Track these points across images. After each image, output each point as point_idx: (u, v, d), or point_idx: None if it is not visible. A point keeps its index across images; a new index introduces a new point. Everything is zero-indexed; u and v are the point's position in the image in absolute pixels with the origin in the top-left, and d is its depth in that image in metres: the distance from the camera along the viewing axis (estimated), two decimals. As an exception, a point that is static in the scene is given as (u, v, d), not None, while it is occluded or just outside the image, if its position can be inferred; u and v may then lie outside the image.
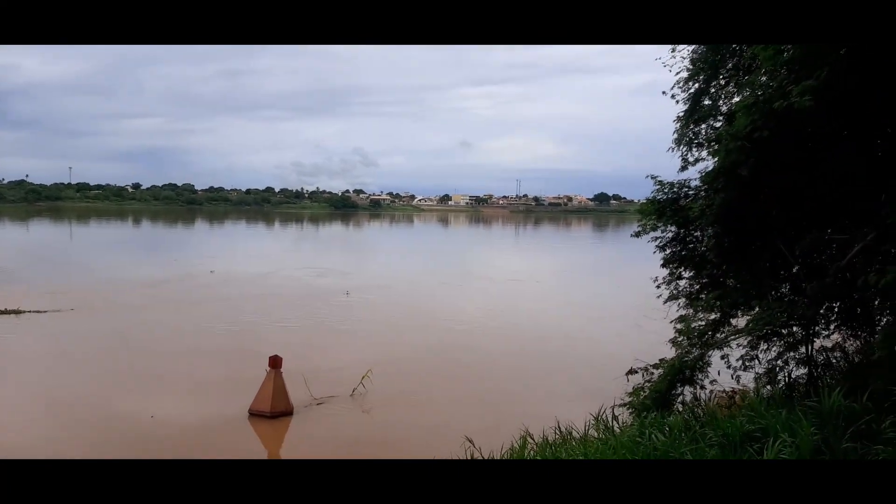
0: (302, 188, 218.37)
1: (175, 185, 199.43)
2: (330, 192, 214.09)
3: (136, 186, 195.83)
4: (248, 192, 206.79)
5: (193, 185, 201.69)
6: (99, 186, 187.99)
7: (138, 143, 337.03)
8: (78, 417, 12.58)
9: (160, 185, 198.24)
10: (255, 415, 12.69)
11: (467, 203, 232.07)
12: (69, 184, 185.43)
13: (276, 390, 12.83)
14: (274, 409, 12.65)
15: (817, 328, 8.73)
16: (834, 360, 8.83)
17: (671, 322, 10.17)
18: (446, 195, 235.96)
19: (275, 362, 13.03)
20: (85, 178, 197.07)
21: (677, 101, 10.21)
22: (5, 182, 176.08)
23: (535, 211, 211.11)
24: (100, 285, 29.16)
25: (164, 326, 20.87)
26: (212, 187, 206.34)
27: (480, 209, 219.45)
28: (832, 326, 9.36)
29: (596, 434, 7.85)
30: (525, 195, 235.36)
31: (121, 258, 44.50)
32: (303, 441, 12.21)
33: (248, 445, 11.80)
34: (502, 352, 18.82)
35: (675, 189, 9.70)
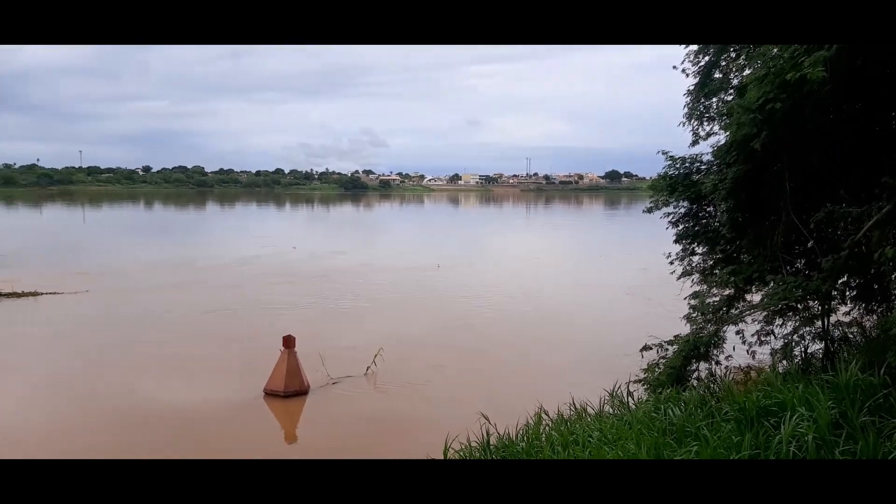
0: (311, 169, 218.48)
1: (185, 167, 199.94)
2: (339, 174, 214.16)
3: (147, 169, 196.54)
4: (258, 173, 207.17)
5: (203, 168, 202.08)
6: (109, 170, 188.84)
7: (144, 125, 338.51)
8: (95, 395, 12.76)
9: (170, 167, 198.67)
10: (269, 394, 12.82)
11: (477, 182, 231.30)
12: (80, 167, 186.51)
13: (289, 370, 12.93)
14: (287, 389, 12.76)
15: (833, 303, 8.67)
16: (851, 335, 8.77)
17: (685, 298, 10.14)
18: (456, 175, 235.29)
19: (288, 342, 13.12)
20: (94, 161, 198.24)
21: (687, 75, 10.06)
22: (17, 166, 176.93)
23: (545, 189, 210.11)
24: (118, 268, 29.43)
25: (207, 307, 21.06)
26: (221, 169, 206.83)
27: (490, 188, 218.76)
28: (848, 301, 9.29)
29: (611, 410, 7.86)
30: (535, 174, 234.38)
31: (139, 240, 44.83)
32: (313, 420, 12.36)
33: (259, 425, 11.94)
34: (516, 330, 18.86)
35: (686, 164, 9.61)
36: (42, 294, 22.05)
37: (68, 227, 59.45)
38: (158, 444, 10.39)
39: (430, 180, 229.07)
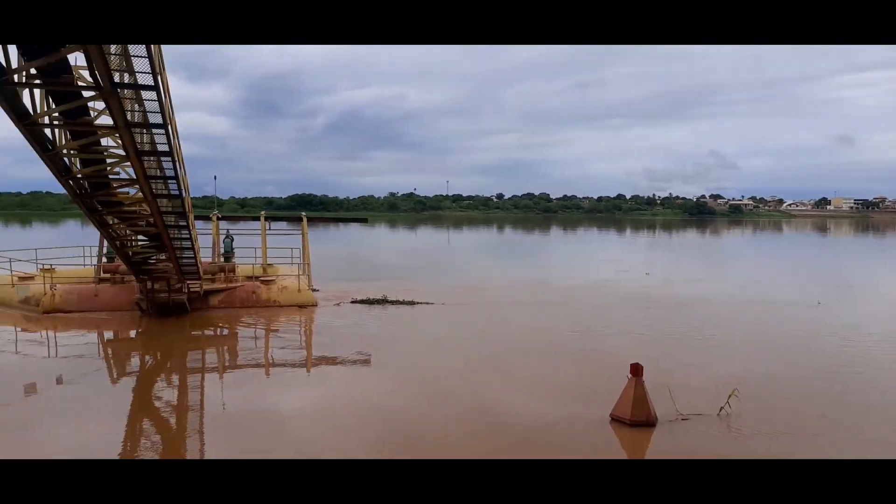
0: (653, 194, 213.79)
1: (532, 194, 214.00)
2: (683, 198, 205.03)
3: (500, 196, 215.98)
4: (600, 199, 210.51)
5: (549, 195, 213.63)
6: (470, 197, 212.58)
7: (499, 157, 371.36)
8: (446, 395, 13.92)
9: (519, 194, 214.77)
10: (615, 420, 12.42)
11: (851, 207, 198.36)
12: (446, 195, 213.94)
13: (636, 398, 12.38)
14: (634, 418, 12.19)
15: None
16: None
17: None
18: (823, 199, 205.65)
19: (636, 370, 12.57)
20: (458, 189, 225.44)
21: None
22: (399, 194, 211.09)
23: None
24: (480, 284, 32.57)
25: (535, 325, 22.15)
26: (565, 196, 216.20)
27: (869, 215, 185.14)
28: None
29: None
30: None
31: (495, 259, 49.26)
32: (661, 454, 11.47)
33: (604, 449, 11.54)
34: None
35: None
36: (417, 304, 25.42)
37: (437, 247, 68.28)
38: (501, 448, 10.75)
39: (789, 205, 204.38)
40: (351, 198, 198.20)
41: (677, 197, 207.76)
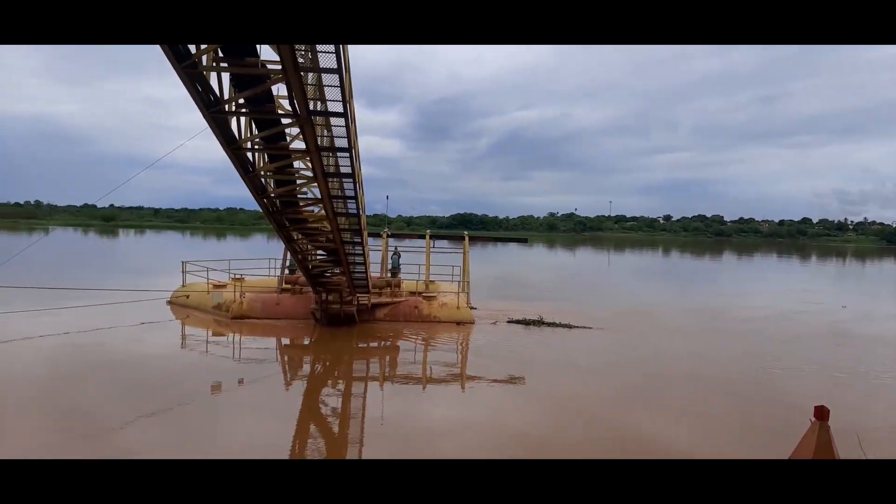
0: (845, 218, 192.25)
1: (704, 216, 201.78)
2: (881, 223, 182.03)
3: (667, 218, 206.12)
4: (781, 223, 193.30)
5: (722, 217, 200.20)
6: (633, 218, 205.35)
7: (667, 176, 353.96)
8: (600, 425, 13.49)
9: (689, 216, 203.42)
10: (791, 470, 11.34)
11: None
12: (608, 216, 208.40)
13: (819, 444, 11.14)
14: (815, 469, 11.06)
15: None
16: None
17: None
18: None
19: (821, 413, 11.36)
20: (621, 210, 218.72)
21: None
22: (559, 215, 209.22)
23: None
24: (643, 309, 31.40)
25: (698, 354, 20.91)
26: (741, 218, 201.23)
27: None
28: None
29: None
30: None
31: (660, 284, 47.15)
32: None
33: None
34: None
35: None
36: (575, 327, 25.02)
37: (597, 269, 66.66)
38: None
39: None
40: (511, 217, 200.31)
41: (873, 222, 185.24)
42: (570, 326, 25.02)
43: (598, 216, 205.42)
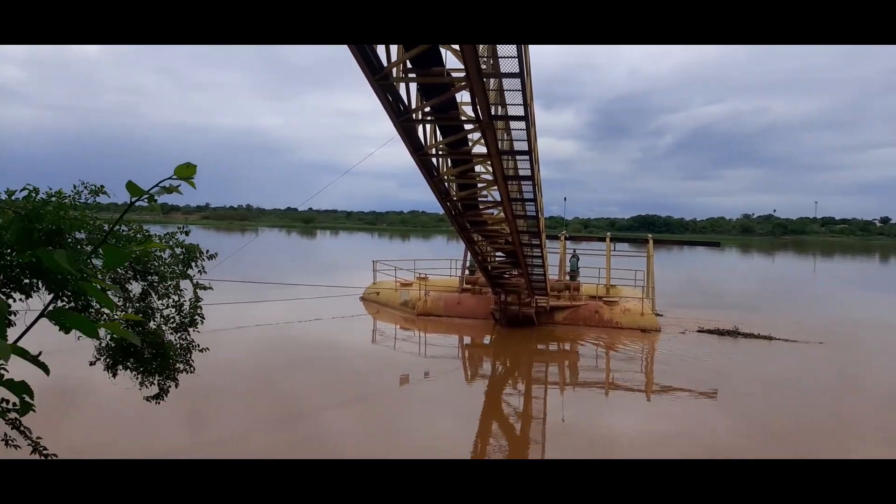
0: None
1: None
2: None
3: (885, 220, 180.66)
4: None
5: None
6: (844, 221, 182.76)
7: (885, 174, 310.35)
8: (787, 446, 12.05)
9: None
10: None
11: None
12: (814, 218, 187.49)
13: None
14: None
15: None
16: None
17: None
18: None
19: None
20: (828, 212, 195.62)
21: None
22: (755, 216, 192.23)
23: None
24: (852, 322, 27.91)
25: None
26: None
27: None
28: None
29: None
30: None
31: (879, 297, 41.62)
32: None
33: None
34: None
35: None
36: (775, 339, 22.76)
37: (801, 277, 60.28)
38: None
39: None
40: (698, 219, 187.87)
41: None
42: (770, 338, 22.80)
43: (800, 218, 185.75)
